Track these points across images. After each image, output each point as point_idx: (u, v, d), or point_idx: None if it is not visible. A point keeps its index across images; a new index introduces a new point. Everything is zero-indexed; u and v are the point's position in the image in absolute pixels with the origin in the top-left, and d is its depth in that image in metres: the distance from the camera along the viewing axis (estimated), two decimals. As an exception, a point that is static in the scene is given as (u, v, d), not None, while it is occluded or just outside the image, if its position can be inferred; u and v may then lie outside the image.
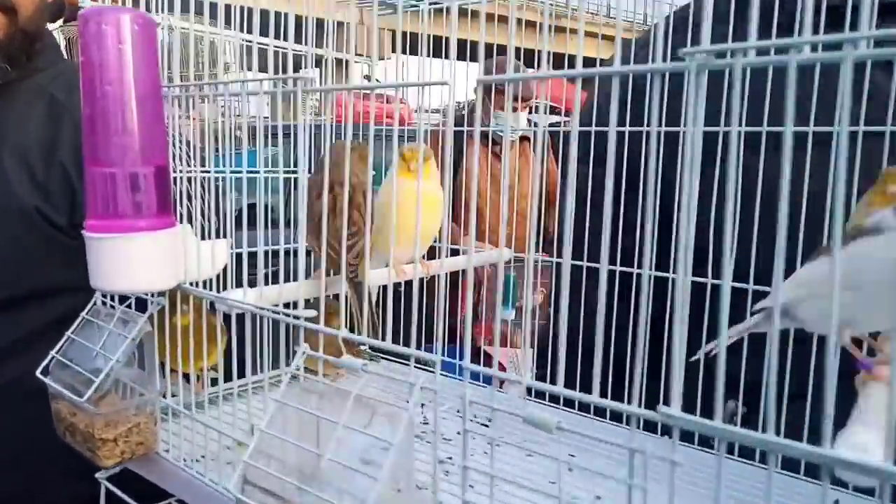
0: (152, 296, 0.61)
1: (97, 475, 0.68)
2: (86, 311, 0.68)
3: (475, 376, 0.55)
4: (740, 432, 0.31)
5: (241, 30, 0.58)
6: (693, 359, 0.42)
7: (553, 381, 0.37)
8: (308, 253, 0.64)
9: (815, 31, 0.61)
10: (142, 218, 0.52)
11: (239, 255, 0.58)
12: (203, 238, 0.59)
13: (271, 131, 0.65)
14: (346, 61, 0.73)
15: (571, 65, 0.40)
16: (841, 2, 0.57)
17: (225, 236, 0.59)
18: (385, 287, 0.70)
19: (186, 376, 0.72)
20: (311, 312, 0.49)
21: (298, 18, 0.58)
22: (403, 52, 0.73)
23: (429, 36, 0.74)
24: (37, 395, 0.92)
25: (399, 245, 0.69)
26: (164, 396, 0.66)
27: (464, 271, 0.96)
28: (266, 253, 0.57)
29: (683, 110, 0.55)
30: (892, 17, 0.63)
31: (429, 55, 0.72)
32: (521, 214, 2.03)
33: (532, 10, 0.81)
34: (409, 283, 0.53)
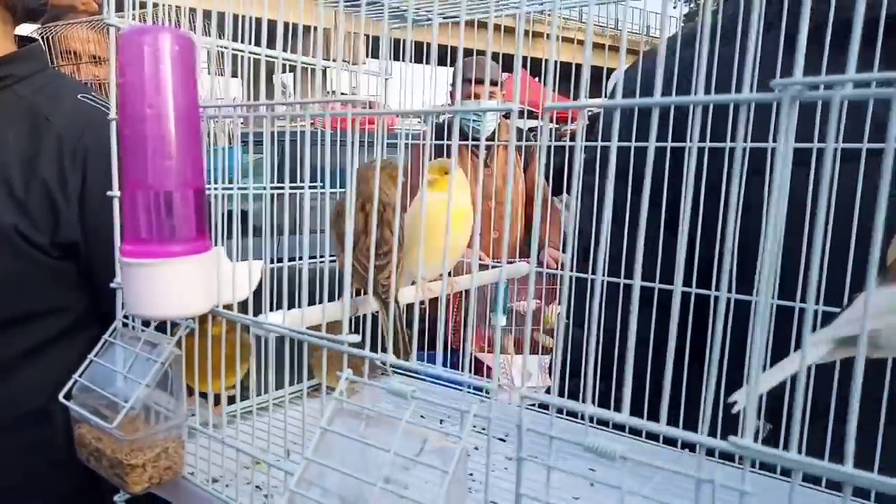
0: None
1: (116, 497, 0.67)
2: (108, 333, 0.67)
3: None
4: (819, 464, 0.31)
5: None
6: (732, 404, 0.41)
7: (618, 409, 0.37)
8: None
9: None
10: (179, 242, 0.51)
11: (275, 274, 0.58)
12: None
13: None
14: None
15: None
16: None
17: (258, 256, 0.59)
18: (411, 305, 0.70)
19: (204, 395, 0.71)
20: (356, 338, 0.49)
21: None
22: (409, 60, 0.73)
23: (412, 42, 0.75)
24: (25, 420, 0.89)
25: (428, 262, 0.69)
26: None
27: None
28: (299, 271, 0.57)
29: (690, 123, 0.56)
30: None
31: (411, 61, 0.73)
32: (509, 218, 2.06)
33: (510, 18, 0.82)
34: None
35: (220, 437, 0.61)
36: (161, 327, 0.64)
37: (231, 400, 0.78)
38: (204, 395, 0.70)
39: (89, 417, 0.61)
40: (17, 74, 0.89)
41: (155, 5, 0.68)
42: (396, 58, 0.73)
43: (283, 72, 0.67)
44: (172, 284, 0.51)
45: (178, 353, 0.61)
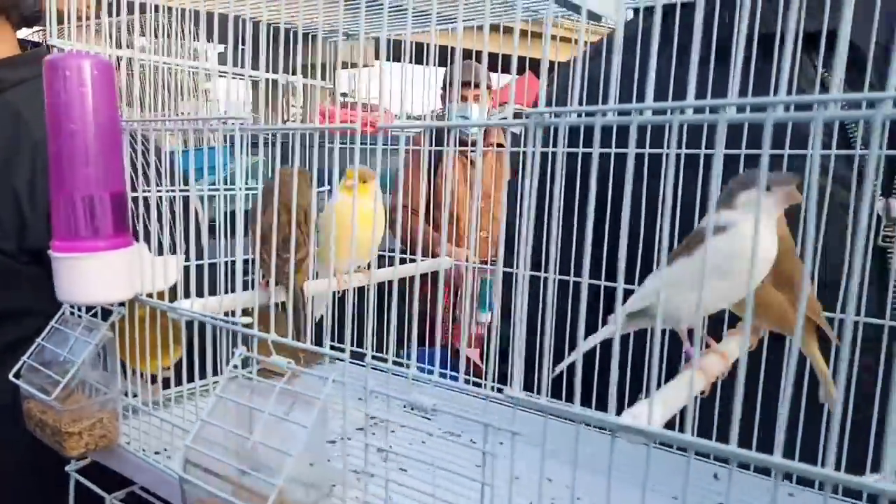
0: (116, 305, 0.69)
1: (67, 468, 0.76)
2: (54, 320, 0.76)
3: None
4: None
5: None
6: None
7: (681, 430, 0.37)
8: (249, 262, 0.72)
9: (747, 62, 0.69)
10: (100, 239, 0.60)
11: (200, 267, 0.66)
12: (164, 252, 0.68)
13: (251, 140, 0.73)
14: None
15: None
16: (770, 32, 0.64)
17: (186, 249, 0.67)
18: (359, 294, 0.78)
19: (150, 378, 0.79)
20: (247, 319, 0.57)
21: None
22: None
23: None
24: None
25: (340, 256, 0.78)
26: (126, 395, 0.74)
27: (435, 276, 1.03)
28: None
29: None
30: (814, 46, 0.72)
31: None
32: (496, 219, 2.15)
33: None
34: (382, 292, 0.58)
35: (149, 410, 0.70)
36: (105, 316, 0.73)
37: (168, 383, 0.86)
38: (150, 378, 0.79)
39: (34, 393, 0.69)
40: (9, 80, 0.92)
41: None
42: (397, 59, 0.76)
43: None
44: (95, 275, 0.60)
45: (111, 336, 0.70)
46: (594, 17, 0.75)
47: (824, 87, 0.75)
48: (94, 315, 0.74)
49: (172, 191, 0.68)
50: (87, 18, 0.73)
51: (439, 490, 0.53)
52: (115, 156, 0.61)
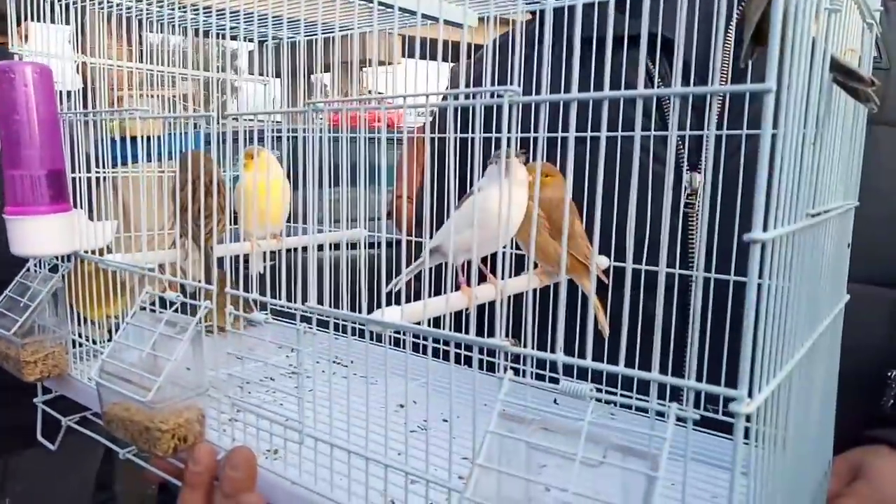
0: (63, 260, 0.86)
1: (35, 400, 0.94)
2: (20, 275, 0.93)
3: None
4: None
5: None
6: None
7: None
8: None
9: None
10: (41, 205, 0.77)
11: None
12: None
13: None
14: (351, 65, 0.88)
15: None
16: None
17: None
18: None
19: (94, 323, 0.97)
20: (152, 264, 0.75)
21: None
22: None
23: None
24: None
25: (249, 226, 0.94)
26: (81, 336, 0.91)
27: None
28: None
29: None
30: (668, 52, 0.88)
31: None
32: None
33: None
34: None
35: (97, 347, 0.88)
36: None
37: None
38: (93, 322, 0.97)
39: (1, 332, 0.87)
40: None
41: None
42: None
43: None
44: (36, 233, 0.77)
45: (61, 285, 0.87)
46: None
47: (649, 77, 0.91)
48: (52, 270, 0.92)
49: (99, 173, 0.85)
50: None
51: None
52: (55, 141, 0.79)
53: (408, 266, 0.70)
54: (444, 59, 0.55)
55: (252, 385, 0.78)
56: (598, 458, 0.40)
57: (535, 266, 0.75)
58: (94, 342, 0.90)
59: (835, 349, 0.65)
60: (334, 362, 0.87)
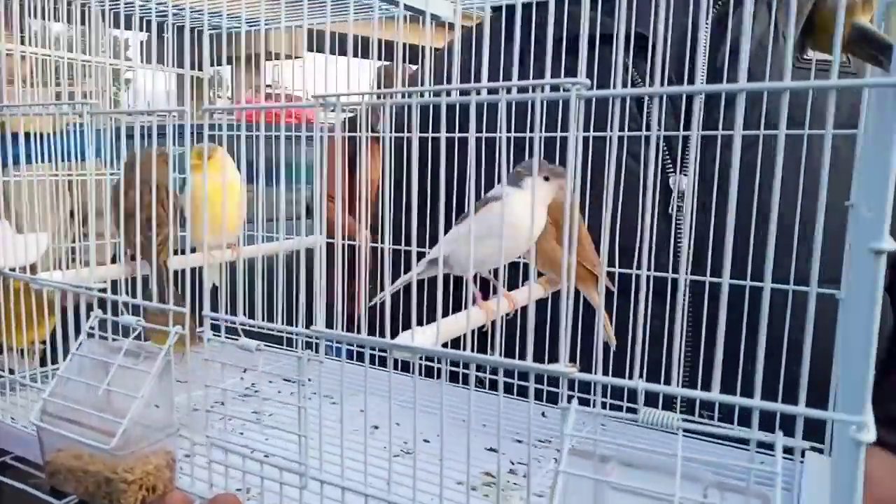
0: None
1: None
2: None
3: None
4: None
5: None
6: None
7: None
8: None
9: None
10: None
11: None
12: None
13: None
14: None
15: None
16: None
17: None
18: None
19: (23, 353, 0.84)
20: (101, 285, 0.64)
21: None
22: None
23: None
24: None
25: (198, 235, 0.84)
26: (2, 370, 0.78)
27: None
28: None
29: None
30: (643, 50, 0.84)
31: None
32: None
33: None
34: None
35: (27, 383, 0.75)
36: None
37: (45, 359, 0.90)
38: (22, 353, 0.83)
39: None
40: None
41: None
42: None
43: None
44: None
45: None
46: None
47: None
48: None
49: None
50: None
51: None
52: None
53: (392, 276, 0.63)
54: (355, 55, 0.56)
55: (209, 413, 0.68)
56: (699, 498, 0.35)
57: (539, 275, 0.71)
58: (13, 372, 0.77)
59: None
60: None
